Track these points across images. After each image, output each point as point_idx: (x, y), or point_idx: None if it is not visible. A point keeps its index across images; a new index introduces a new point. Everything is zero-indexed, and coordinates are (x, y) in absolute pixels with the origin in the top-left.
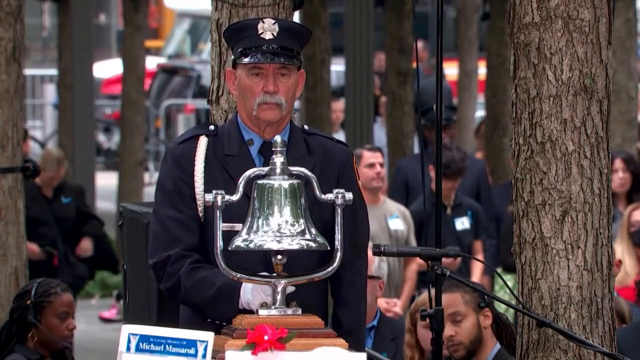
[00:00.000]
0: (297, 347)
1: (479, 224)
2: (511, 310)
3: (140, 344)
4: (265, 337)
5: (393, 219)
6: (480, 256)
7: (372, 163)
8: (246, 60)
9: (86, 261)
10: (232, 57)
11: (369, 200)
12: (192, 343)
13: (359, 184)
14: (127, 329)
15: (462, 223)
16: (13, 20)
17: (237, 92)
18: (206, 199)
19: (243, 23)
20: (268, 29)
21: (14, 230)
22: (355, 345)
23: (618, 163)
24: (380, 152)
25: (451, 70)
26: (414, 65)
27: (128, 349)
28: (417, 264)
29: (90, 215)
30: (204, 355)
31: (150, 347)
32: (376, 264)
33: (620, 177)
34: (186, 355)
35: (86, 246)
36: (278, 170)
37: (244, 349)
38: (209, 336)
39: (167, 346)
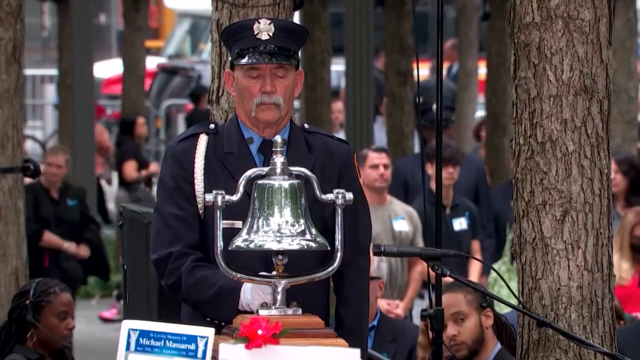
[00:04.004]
0: None
1: (475, 225)
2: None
3: (141, 339)
4: (259, 332)
5: (398, 220)
6: (477, 256)
7: (375, 164)
8: (243, 61)
9: (81, 264)
10: (230, 58)
11: (374, 200)
12: (192, 339)
13: (360, 182)
14: (127, 324)
15: (460, 224)
16: (13, 20)
17: (235, 94)
18: (206, 199)
19: (239, 24)
20: (264, 29)
21: (14, 230)
22: (357, 345)
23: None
24: (386, 153)
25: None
26: (414, 65)
27: (128, 344)
28: (422, 265)
29: (91, 219)
30: (204, 351)
31: (150, 343)
32: (375, 264)
33: (611, 178)
34: (186, 350)
35: (84, 251)
36: (278, 171)
37: (237, 342)
38: (209, 332)
39: (167, 342)
